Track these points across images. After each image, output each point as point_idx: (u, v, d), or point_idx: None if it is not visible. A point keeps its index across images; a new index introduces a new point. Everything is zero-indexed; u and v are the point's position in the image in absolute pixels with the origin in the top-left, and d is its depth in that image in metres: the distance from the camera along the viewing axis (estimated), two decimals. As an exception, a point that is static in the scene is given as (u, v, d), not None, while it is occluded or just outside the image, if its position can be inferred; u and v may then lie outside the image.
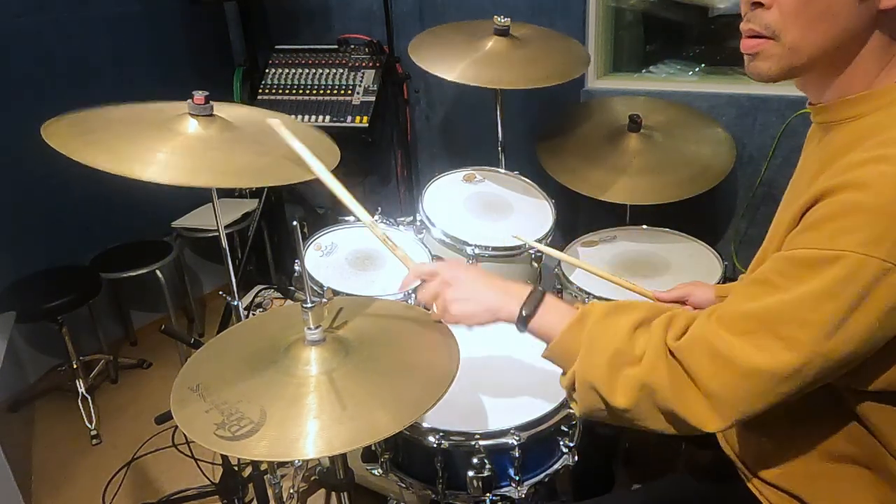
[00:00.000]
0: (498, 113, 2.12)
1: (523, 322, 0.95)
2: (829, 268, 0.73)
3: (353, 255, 1.78)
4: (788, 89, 2.07)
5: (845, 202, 0.74)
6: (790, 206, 0.87)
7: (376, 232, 1.14)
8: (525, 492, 1.25)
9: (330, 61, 2.73)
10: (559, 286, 1.81)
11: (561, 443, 1.29)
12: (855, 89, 0.84)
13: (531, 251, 1.79)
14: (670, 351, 0.83)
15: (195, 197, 2.84)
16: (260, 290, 2.67)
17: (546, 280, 1.90)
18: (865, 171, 0.74)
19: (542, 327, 0.94)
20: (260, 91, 2.74)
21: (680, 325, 0.85)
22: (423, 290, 1.04)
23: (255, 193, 3.03)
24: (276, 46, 2.83)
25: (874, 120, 0.83)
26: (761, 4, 0.85)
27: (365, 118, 2.57)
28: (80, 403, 2.37)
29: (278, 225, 3.09)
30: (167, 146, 1.22)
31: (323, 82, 2.69)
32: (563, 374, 0.93)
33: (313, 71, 2.72)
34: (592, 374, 0.87)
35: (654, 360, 0.83)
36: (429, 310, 1.06)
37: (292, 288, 1.91)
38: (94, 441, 2.33)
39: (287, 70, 2.75)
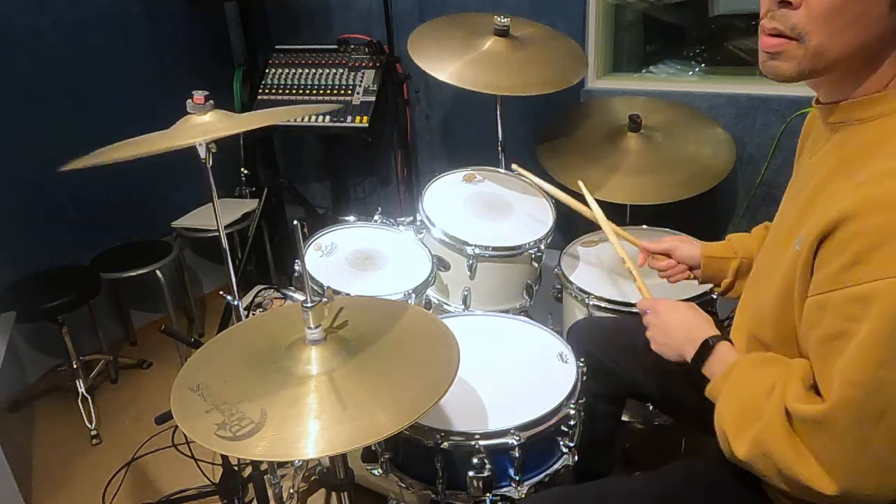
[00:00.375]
0: (498, 113, 2.12)
1: (698, 369, 1.05)
2: (889, 297, 0.74)
3: (353, 255, 1.78)
4: (789, 89, 2.07)
5: (885, 227, 0.74)
6: (799, 198, 0.88)
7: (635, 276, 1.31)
8: (525, 492, 1.25)
9: (330, 61, 2.73)
10: (559, 286, 1.81)
11: (561, 443, 1.29)
12: (870, 90, 0.84)
13: (531, 251, 1.79)
14: (788, 412, 0.84)
15: (195, 197, 2.84)
16: (260, 290, 2.67)
17: (546, 280, 1.90)
18: (884, 189, 0.75)
19: (709, 374, 1.03)
20: (260, 91, 2.74)
21: (797, 387, 0.85)
22: (645, 318, 1.18)
23: (255, 193, 3.03)
24: (276, 46, 2.83)
25: (893, 122, 0.83)
26: (789, 3, 0.82)
27: (365, 118, 2.57)
28: (80, 403, 2.37)
29: (278, 225, 3.09)
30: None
31: (323, 82, 2.69)
32: None
33: (313, 71, 2.72)
34: (726, 421, 0.92)
35: (778, 420, 0.85)
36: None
37: (292, 288, 1.91)
38: (94, 441, 2.33)
39: (287, 70, 2.75)
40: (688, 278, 1.43)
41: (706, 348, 1.04)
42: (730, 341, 1.05)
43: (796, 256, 0.85)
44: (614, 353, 1.41)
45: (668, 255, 1.42)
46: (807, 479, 0.81)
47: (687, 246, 1.40)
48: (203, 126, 1.26)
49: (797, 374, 0.87)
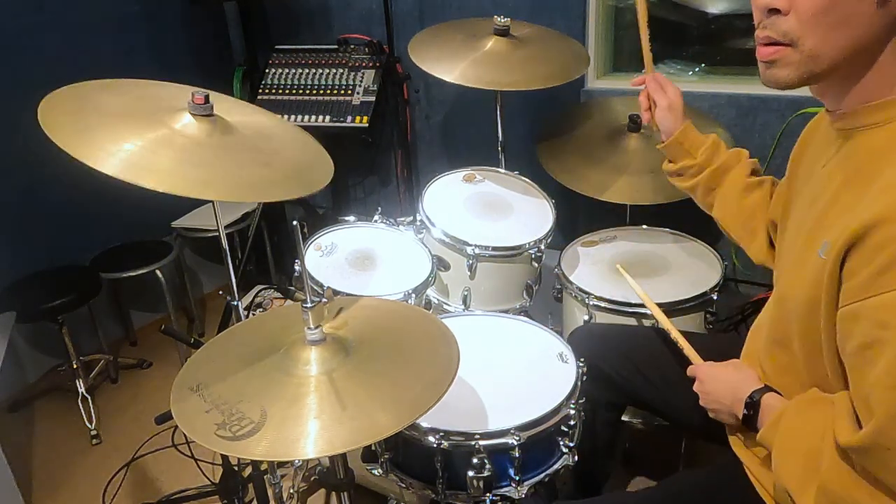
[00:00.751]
0: (498, 113, 2.12)
1: (754, 429, 1.02)
2: None
3: (353, 255, 1.78)
4: (789, 90, 2.07)
5: None
6: (816, 205, 0.88)
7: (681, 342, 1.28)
8: (525, 492, 1.25)
9: (330, 61, 2.73)
10: (559, 286, 1.81)
11: (561, 443, 1.29)
12: (876, 95, 0.84)
13: (531, 251, 1.79)
14: (842, 449, 0.83)
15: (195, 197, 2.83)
16: (260, 290, 2.67)
17: (546, 280, 1.90)
18: None
19: (760, 427, 1.01)
20: (260, 91, 2.74)
21: (844, 423, 0.84)
22: (695, 386, 1.17)
23: (255, 193, 3.03)
24: (276, 46, 2.83)
25: None
26: (778, 11, 0.83)
27: (365, 118, 2.57)
28: (80, 403, 2.37)
29: (278, 225, 3.09)
30: (170, 151, 1.19)
31: (323, 82, 2.69)
32: None
33: (313, 71, 2.72)
34: (785, 477, 0.90)
35: (841, 466, 0.83)
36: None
37: (292, 288, 1.91)
38: (94, 441, 2.33)
39: (287, 70, 2.75)
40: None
41: (753, 407, 1.03)
42: (774, 391, 1.03)
43: (822, 265, 0.84)
44: (614, 361, 1.41)
45: (653, 103, 1.46)
46: None
47: (670, 113, 1.43)
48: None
49: (842, 411, 0.85)
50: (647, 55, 1.54)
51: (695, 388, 1.17)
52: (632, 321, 1.64)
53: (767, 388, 1.03)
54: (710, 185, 1.38)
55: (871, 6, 0.78)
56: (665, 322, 1.34)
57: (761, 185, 1.34)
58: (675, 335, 1.28)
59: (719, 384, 1.12)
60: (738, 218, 1.34)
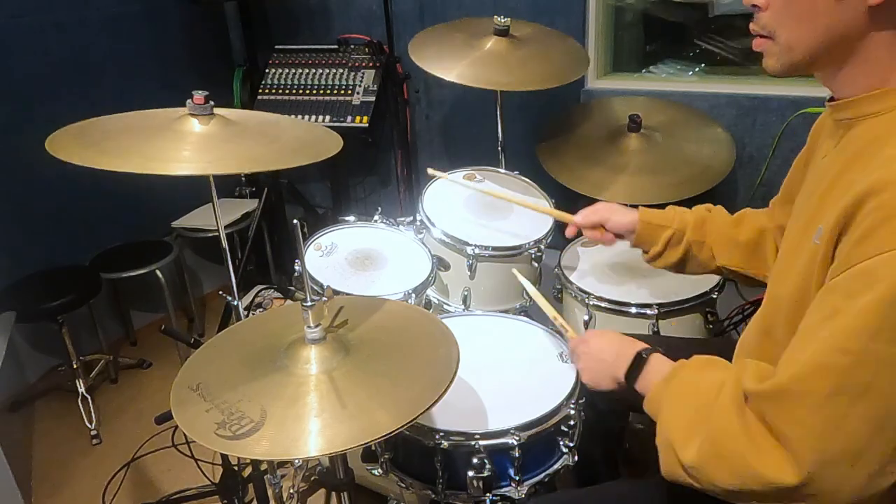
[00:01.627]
0: (498, 113, 2.12)
1: (632, 386, 1.04)
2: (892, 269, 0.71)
3: (353, 255, 1.78)
4: (788, 89, 2.07)
5: (892, 202, 0.72)
6: (810, 200, 0.88)
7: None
8: (525, 492, 1.25)
9: (330, 61, 2.73)
10: (559, 286, 1.81)
11: (561, 443, 1.29)
12: (873, 85, 0.85)
13: (530, 251, 1.79)
14: (748, 396, 0.82)
15: (195, 197, 2.84)
16: (260, 290, 2.67)
17: (546, 280, 1.90)
18: None
19: (642, 391, 1.02)
20: (260, 91, 2.74)
21: (755, 370, 0.84)
22: (574, 357, 1.21)
23: (255, 193, 3.03)
24: (276, 46, 2.84)
25: None
26: (757, 7, 0.89)
27: (365, 118, 2.57)
28: (80, 403, 2.37)
29: (278, 225, 3.09)
30: (176, 144, 1.23)
31: (323, 82, 2.69)
32: None
33: (313, 71, 2.72)
34: (670, 430, 0.90)
35: (728, 408, 0.82)
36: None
37: (292, 288, 1.91)
38: (94, 441, 2.33)
39: (287, 70, 2.75)
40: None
41: (639, 361, 1.04)
42: (663, 354, 1.04)
43: (815, 251, 0.84)
44: None
45: (602, 226, 1.45)
46: (766, 472, 0.76)
47: (618, 216, 1.42)
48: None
49: (752, 365, 0.86)
50: (554, 214, 1.61)
51: (574, 349, 1.19)
52: (632, 321, 1.64)
53: (657, 350, 1.05)
54: (699, 240, 1.36)
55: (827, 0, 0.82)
56: (547, 308, 1.38)
57: (744, 215, 1.36)
58: (560, 322, 1.32)
59: (604, 342, 1.13)
60: (745, 251, 1.32)
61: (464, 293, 1.80)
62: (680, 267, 1.40)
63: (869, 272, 0.72)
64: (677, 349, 1.44)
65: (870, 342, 0.71)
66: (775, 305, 0.98)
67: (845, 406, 0.73)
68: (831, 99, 0.94)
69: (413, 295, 1.63)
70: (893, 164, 0.75)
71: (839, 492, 0.74)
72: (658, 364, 1.03)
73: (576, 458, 1.30)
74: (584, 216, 1.47)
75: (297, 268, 1.76)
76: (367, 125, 2.56)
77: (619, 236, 1.45)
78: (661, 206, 1.90)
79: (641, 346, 1.06)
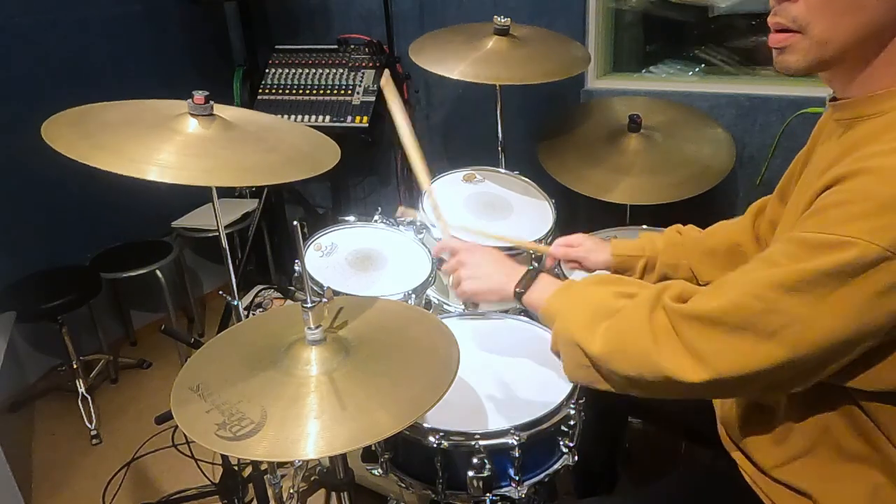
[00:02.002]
0: (498, 113, 2.12)
1: (518, 298, 1.07)
2: (833, 252, 0.74)
3: (353, 256, 1.77)
4: (788, 89, 2.07)
5: (855, 188, 0.75)
6: (802, 196, 0.87)
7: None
8: (525, 492, 1.25)
9: (330, 61, 2.73)
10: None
11: (561, 443, 1.29)
12: (882, 86, 0.84)
13: (531, 251, 1.79)
14: (664, 307, 0.86)
15: (195, 197, 2.84)
16: (260, 290, 2.67)
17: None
18: (880, 161, 0.75)
19: (534, 301, 1.05)
20: (260, 91, 2.74)
21: (678, 288, 0.88)
22: (446, 263, 1.20)
23: (255, 193, 3.03)
24: (276, 46, 2.83)
25: None
26: None
27: (365, 118, 2.57)
28: (80, 403, 2.37)
29: (278, 225, 3.09)
30: (171, 146, 1.21)
31: (323, 82, 2.69)
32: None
33: (313, 71, 2.72)
34: (572, 327, 0.93)
35: (638, 307, 0.87)
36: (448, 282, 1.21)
37: (292, 288, 1.91)
38: (94, 441, 2.33)
39: (287, 70, 2.75)
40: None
41: (531, 275, 1.06)
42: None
43: None
44: None
45: (578, 263, 1.42)
46: (670, 369, 0.83)
47: (594, 255, 1.39)
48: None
49: (677, 285, 0.89)
50: (529, 247, 1.58)
51: (457, 253, 1.19)
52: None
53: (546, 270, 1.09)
54: (672, 262, 1.35)
55: None
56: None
57: (717, 227, 1.36)
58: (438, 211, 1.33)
59: (492, 257, 1.15)
60: (725, 262, 1.31)
61: (464, 293, 1.80)
62: None
63: (814, 245, 0.76)
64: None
65: (785, 296, 0.76)
66: None
67: (751, 344, 0.79)
68: (833, 98, 0.93)
69: (413, 295, 1.63)
70: (874, 157, 0.76)
71: (732, 395, 0.93)
72: (549, 280, 1.06)
73: (576, 458, 1.30)
74: (562, 253, 1.45)
75: (297, 268, 1.76)
76: (367, 125, 2.56)
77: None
78: (661, 206, 1.92)
79: (529, 266, 1.10)
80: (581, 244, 1.41)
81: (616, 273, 1.38)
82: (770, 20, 0.88)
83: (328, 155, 1.36)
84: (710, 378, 0.81)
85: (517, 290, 1.07)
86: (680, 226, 1.41)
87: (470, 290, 1.15)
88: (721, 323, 0.80)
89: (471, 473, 1.20)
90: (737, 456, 1.07)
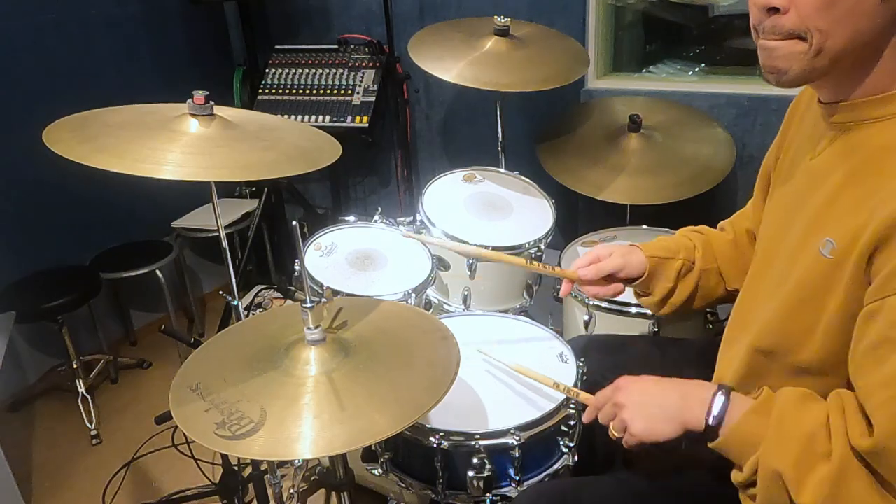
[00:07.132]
0: (498, 113, 2.12)
1: (714, 433, 0.88)
2: None
3: (353, 255, 1.77)
4: (788, 89, 2.07)
5: None
6: (810, 201, 0.86)
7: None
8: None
9: (330, 61, 2.73)
10: (559, 286, 1.81)
11: (561, 443, 1.29)
12: (880, 88, 0.83)
13: (531, 251, 1.79)
14: (859, 452, 0.78)
15: (195, 197, 2.84)
16: (260, 290, 2.67)
17: (546, 280, 1.90)
18: None
19: (733, 433, 0.87)
20: (260, 91, 2.74)
21: (857, 419, 0.79)
22: (601, 414, 1.02)
23: (255, 193, 3.03)
24: (276, 46, 2.84)
25: None
26: (777, 10, 0.82)
27: (365, 118, 2.57)
28: (80, 403, 2.37)
29: (278, 225, 3.09)
30: (174, 146, 1.21)
31: (323, 82, 2.69)
32: (738, 468, 0.88)
33: (313, 71, 2.72)
34: (781, 462, 0.81)
35: (846, 458, 0.78)
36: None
37: (292, 288, 1.91)
38: (94, 441, 2.33)
39: (287, 70, 2.75)
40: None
41: (726, 397, 0.88)
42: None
43: (827, 265, 0.83)
44: (612, 375, 1.40)
45: (616, 277, 1.23)
46: None
47: (631, 257, 1.22)
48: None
49: (852, 406, 0.80)
50: (556, 272, 1.30)
51: (611, 400, 1.00)
52: (632, 322, 1.64)
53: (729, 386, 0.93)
54: (708, 267, 1.25)
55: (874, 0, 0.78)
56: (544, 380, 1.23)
57: (727, 224, 1.31)
58: (564, 387, 1.18)
59: (650, 385, 0.97)
60: (745, 245, 1.27)
61: (464, 293, 1.80)
62: (688, 304, 1.25)
63: None
64: (677, 349, 1.44)
65: None
66: (762, 324, 0.95)
67: None
68: (819, 100, 0.92)
69: (413, 295, 1.63)
70: None
71: None
72: (742, 399, 0.89)
73: (576, 458, 1.30)
74: (595, 270, 1.22)
75: (297, 268, 1.76)
76: (367, 125, 2.56)
77: (629, 282, 1.25)
78: (661, 206, 1.92)
79: (704, 382, 0.93)
80: (609, 253, 1.23)
81: (647, 280, 1.23)
82: (760, 37, 0.86)
83: (329, 151, 1.36)
84: None
85: (710, 421, 0.88)
86: (697, 227, 1.33)
87: (640, 432, 0.93)
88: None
89: (471, 473, 1.20)
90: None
